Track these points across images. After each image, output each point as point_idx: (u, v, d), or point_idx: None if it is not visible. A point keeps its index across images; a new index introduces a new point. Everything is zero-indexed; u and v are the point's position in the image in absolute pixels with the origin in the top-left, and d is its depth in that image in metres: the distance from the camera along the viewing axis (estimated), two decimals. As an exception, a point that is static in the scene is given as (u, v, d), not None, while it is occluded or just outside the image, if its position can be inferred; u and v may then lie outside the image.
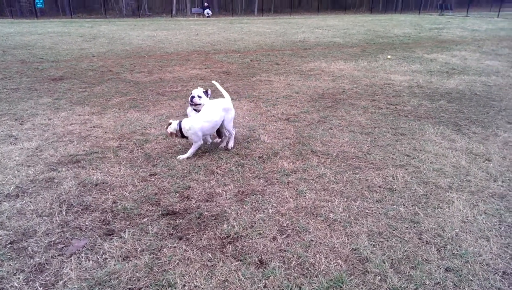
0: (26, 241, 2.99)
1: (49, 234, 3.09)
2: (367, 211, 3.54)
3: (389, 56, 12.90)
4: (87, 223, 3.26)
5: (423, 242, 3.08)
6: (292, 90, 8.29)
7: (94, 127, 5.78)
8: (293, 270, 2.76)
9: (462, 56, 12.60)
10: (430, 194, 3.85)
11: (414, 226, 3.30)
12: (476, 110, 6.89)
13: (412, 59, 12.39)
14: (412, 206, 3.62)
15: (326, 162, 4.62)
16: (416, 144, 5.18)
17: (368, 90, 8.34)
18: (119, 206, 3.54)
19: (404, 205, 3.63)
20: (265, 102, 7.31)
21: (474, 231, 3.23)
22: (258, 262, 2.85)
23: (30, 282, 2.56)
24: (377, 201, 3.71)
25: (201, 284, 2.60)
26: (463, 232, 3.21)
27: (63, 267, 2.71)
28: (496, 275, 2.72)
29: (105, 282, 2.57)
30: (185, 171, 4.33)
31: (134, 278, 2.61)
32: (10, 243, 2.96)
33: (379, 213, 3.51)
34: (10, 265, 2.71)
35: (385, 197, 3.79)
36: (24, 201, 3.57)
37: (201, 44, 16.19)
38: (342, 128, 5.84)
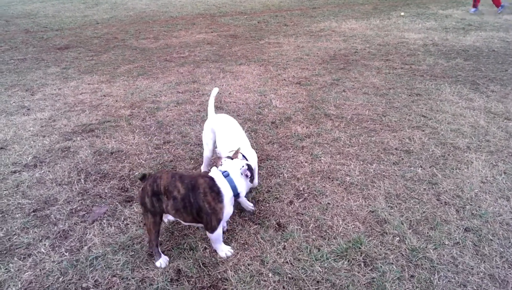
0: (49, 209, 3.05)
1: (70, 202, 3.15)
2: (384, 173, 3.52)
3: (402, 13, 12.36)
4: (106, 191, 3.31)
5: (441, 203, 3.07)
6: (303, 52, 8.06)
7: (104, 96, 5.74)
8: (311, 233, 2.78)
9: (479, 11, 12.00)
10: (448, 155, 3.79)
11: (432, 187, 3.27)
12: (494, 67, 6.64)
13: (427, 16, 11.85)
14: (429, 167, 3.58)
15: (340, 126, 4.55)
16: (433, 105, 5.05)
17: (381, 50, 8.07)
18: (136, 173, 3.57)
19: (421, 167, 3.59)
20: (275, 66, 7.13)
21: (493, 191, 3.20)
22: (276, 225, 2.88)
23: (56, 248, 2.63)
24: (393, 164, 3.68)
25: (221, 248, 2.65)
26: (482, 193, 3.18)
27: (87, 233, 2.78)
28: (516, 234, 2.72)
29: (128, 246, 2.64)
30: (199, 138, 4.31)
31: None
32: (33, 211, 3.03)
33: (396, 175, 3.48)
34: (36, 232, 2.79)
35: (402, 159, 3.75)
36: (42, 171, 3.62)
37: (206, 7, 15.69)
38: (355, 90, 5.70)
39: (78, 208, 3.09)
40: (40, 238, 2.73)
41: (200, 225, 2.52)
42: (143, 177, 2.44)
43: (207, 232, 2.46)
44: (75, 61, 7.85)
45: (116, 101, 5.50)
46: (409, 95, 5.43)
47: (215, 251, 2.60)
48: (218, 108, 5.15)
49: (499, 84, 5.75)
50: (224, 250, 2.57)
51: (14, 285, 2.31)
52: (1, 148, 4.09)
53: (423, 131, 4.32)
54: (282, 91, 5.79)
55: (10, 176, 3.53)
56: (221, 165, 2.59)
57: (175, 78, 6.58)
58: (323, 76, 6.47)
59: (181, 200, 2.33)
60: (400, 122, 4.58)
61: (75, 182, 3.44)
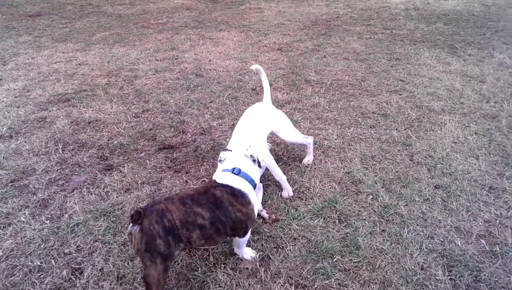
0: (27, 179, 3.03)
1: (49, 172, 3.13)
2: (360, 136, 3.60)
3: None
4: (85, 160, 3.30)
5: (414, 163, 3.18)
6: (284, 18, 7.92)
7: (79, 64, 5.57)
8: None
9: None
10: (423, 117, 3.89)
11: (406, 149, 3.38)
12: (473, 31, 6.70)
13: (410, -20, 11.70)
14: (404, 130, 3.67)
15: (320, 91, 4.58)
16: (411, 69, 5.11)
17: (363, 15, 8.00)
18: (115, 142, 3.56)
19: (397, 129, 3.68)
20: (256, 32, 7.01)
21: (464, 151, 3.33)
22: (255, 189, 2.94)
23: (36, 217, 2.65)
24: (370, 127, 3.76)
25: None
26: (454, 152, 3.31)
27: (67, 202, 2.79)
28: (483, 190, 2.86)
29: (110, 213, 2.67)
30: (178, 106, 4.28)
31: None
32: (11, 181, 3.01)
33: (372, 138, 3.57)
34: (15, 201, 2.78)
35: (379, 122, 3.83)
36: (18, 142, 3.56)
37: (185, -29, 15.04)
38: (336, 56, 5.69)
39: (57, 177, 3.08)
40: (20, 208, 2.73)
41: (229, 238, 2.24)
42: (137, 216, 1.81)
43: (236, 239, 2.20)
44: (48, 29, 7.53)
45: (92, 69, 5.35)
46: (389, 60, 5.47)
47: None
48: (198, 76, 5.09)
49: (476, 48, 5.83)
50: (248, 253, 2.31)
51: (-5, 252, 2.33)
52: (-26, 119, 3.98)
53: (400, 95, 4.39)
54: (263, 57, 5.73)
55: (-15, 147, 3.46)
56: (220, 162, 2.34)
57: (153, 45, 6.41)
58: (304, 42, 6.41)
59: (211, 224, 1.97)
60: (379, 86, 4.64)
61: (52, 152, 3.40)
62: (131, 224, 1.84)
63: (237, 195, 2.08)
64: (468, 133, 3.58)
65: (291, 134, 3.03)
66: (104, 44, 6.53)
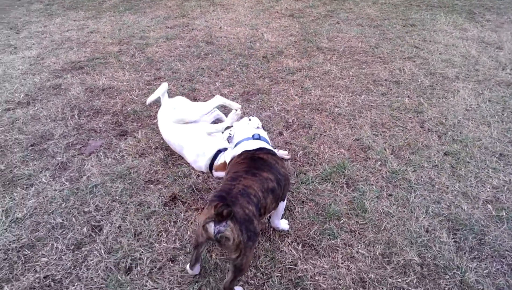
0: (46, 143, 3.15)
1: (66, 136, 3.24)
2: (371, 104, 3.59)
3: None
4: (100, 126, 3.39)
5: (424, 130, 3.18)
6: (297, -17, 7.68)
7: (91, 32, 5.58)
8: (298, 160, 2.92)
9: None
10: (436, 84, 3.83)
11: (417, 116, 3.37)
12: (494, -4, 6.42)
13: None
14: (417, 97, 3.64)
15: (332, 59, 4.52)
16: (426, 35, 4.97)
17: (379, -21, 7.70)
18: (128, 109, 3.63)
19: (409, 97, 3.65)
20: (268, -2, 6.85)
21: (476, 118, 3.30)
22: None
23: (56, 178, 2.78)
24: (382, 94, 3.73)
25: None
26: (466, 119, 3.29)
27: (84, 165, 2.91)
28: (493, 157, 2.87)
29: (126, 175, 2.78)
30: (189, 74, 4.30)
31: (152, 171, 2.81)
32: (31, 145, 3.13)
33: (384, 105, 3.55)
34: (35, 164, 2.91)
35: (391, 90, 3.80)
36: (36, 108, 3.66)
37: None
38: (349, 22, 5.56)
39: (74, 142, 3.19)
40: (40, 170, 2.86)
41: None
42: (228, 211, 1.63)
43: (281, 203, 2.13)
44: (58, -3, 7.49)
45: (104, 37, 5.37)
46: (404, 26, 5.32)
47: (208, 177, 2.74)
48: (209, 43, 5.06)
49: (495, 13, 5.61)
50: (284, 223, 2.31)
51: (20, 211, 2.48)
52: (-8, 86, 4.09)
53: (414, 62, 4.31)
54: (274, 24, 5.64)
55: (4, 113, 3.58)
56: (230, 139, 2.29)
57: (163, 12, 6.35)
58: (317, 7, 6.25)
59: (277, 184, 1.96)
60: (392, 53, 4.55)
61: (69, 118, 3.50)
62: (212, 224, 1.67)
63: (274, 154, 2.11)
64: (482, 101, 3.53)
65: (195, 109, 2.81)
66: (115, 11, 6.49)
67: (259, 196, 1.83)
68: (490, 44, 4.63)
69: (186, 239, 2.27)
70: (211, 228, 1.67)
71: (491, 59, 4.27)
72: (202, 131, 2.65)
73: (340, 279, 2.02)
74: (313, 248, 2.20)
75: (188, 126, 2.73)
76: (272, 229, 2.31)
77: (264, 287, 1.98)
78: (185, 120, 2.73)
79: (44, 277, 2.04)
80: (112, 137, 3.24)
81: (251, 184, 1.84)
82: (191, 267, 1.99)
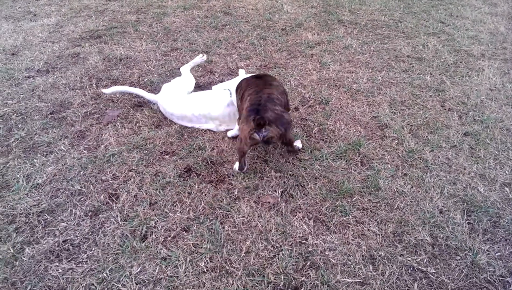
0: (65, 112, 3.21)
1: (84, 106, 3.30)
2: (391, 81, 3.49)
3: None
4: (118, 96, 3.42)
5: (445, 109, 3.10)
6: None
7: (109, 0, 5.54)
8: (313, 137, 2.90)
9: None
10: (460, 62, 3.69)
11: (439, 94, 3.27)
12: (531, -33, 6.02)
13: None
14: (439, 75, 3.52)
15: (353, 32, 4.39)
16: (453, 10, 4.74)
17: None
18: (145, 80, 3.64)
19: (431, 74, 3.53)
20: (289, -33, 6.60)
21: (500, 99, 3.18)
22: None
23: (75, 146, 2.85)
24: (403, 71, 3.62)
25: (226, 148, 2.81)
26: (489, 100, 3.17)
27: (102, 134, 2.96)
28: (515, 139, 2.78)
29: (142, 146, 2.83)
30: (207, 45, 4.25)
31: (168, 143, 2.85)
32: (50, 113, 3.20)
33: (404, 82, 3.46)
34: (55, 132, 2.99)
35: (412, 66, 3.68)
36: (55, 76, 3.71)
37: None
38: (373, -6, 5.34)
39: (93, 111, 3.24)
40: (59, 138, 2.93)
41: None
42: (263, 120, 2.22)
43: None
44: (76, -37, 7.41)
45: (122, 6, 5.33)
46: (430, -1, 5.08)
47: (223, 151, 2.77)
48: (227, 14, 4.97)
49: (531, -14, 5.28)
50: (299, 141, 2.77)
51: (40, 177, 2.57)
52: (13, 54, 4.14)
53: (439, 38, 4.14)
54: (294, -5, 5.47)
55: (24, 81, 3.65)
56: (230, 91, 2.90)
57: (181, -19, 6.22)
58: (339, -22, 6.00)
59: (284, 90, 2.63)
60: (416, 28, 4.38)
61: (87, 87, 3.54)
62: (256, 134, 2.27)
63: (267, 74, 2.85)
64: (507, 80, 3.39)
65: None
66: (133, -21, 6.39)
67: (279, 98, 2.44)
68: (522, 20, 4.40)
69: (199, 210, 2.31)
70: (257, 136, 2.29)
71: (522, 36, 4.07)
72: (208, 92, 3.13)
73: (350, 255, 2.04)
74: (324, 224, 2.22)
75: (196, 94, 3.14)
76: (284, 203, 2.33)
77: (275, 259, 2.02)
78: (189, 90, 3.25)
79: (63, 241, 2.14)
80: (129, 107, 3.27)
81: (271, 91, 2.45)
82: (241, 169, 2.53)
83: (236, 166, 2.56)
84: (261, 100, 2.35)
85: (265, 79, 2.64)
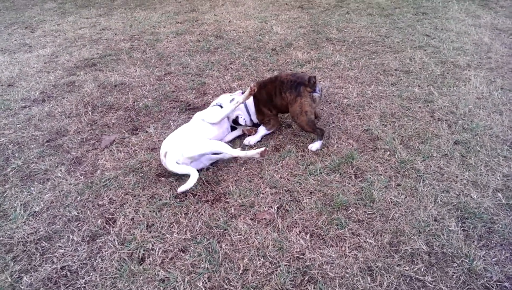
0: (61, 139, 3.26)
1: (80, 132, 3.34)
2: (381, 94, 3.57)
3: None
4: (113, 121, 3.48)
5: (435, 120, 3.16)
6: (306, -26, 7.62)
7: (103, 29, 5.68)
8: (306, 152, 2.94)
9: None
10: (447, 73, 3.78)
11: (428, 105, 3.34)
12: (510, -20, 6.24)
13: None
14: (427, 86, 3.61)
15: (341, 50, 4.50)
16: (438, 23, 4.89)
17: (390, -33, 7.57)
18: (140, 104, 3.71)
19: (419, 86, 3.62)
20: (277, -10, 6.82)
21: (487, 107, 3.25)
22: (274, 147, 3.04)
23: (72, 173, 2.87)
24: (392, 84, 3.71)
25: (221, 167, 2.84)
26: (477, 108, 3.24)
27: (98, 159, 3.00)
28: (504, 145, 2.83)
29: (138, 169, 2.86)
30: (199, 68, 4.35)
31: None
32: (47, 141, 3.24)
33: (393, 95, 3.53)
34: (51, 159, 3.02)
35: (401, 79, 3.77)
36: (51, 105, 3.78)
37: None
38: (359, 12, 5.50)
39: (88, 137, 3.28)
40: (56, 165, 2.96)
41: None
42: (312, 79, 2.72)
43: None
44: (71, -5, 7.63)
45: (116, 34, 5.46)
46: (415, 14, 5.24)
47: (218, 170, 2.79)
48: (218, 38, 5.10)
49: (511, -2, 5.47)
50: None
51: (37, 204, 2.58)
52: (9, 85, 4.22)
53: (425, 50, 4.26)
54: (283, 16, 5.63)
55: (21, 111, 3.70)
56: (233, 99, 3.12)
57: (173, 7, 6.40)
58: (326, -2, 6.20)
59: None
60: (403, 42, 4.50)
61: (83, 114, 3.60)
62: (314, 94, 2.77)
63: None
64: (494, 88, 3.48)
65: None
66: (126, 8, 6.58)
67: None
68: (504, 30, 4.53)
69: (196, 229, 2.33)
70: (316, 94, 2.78)
71: (504, 46, 4.19)
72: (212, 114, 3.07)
73: (347, 268, 2.05)
74: (321, 237, 2.24)
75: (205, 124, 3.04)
76: (280, 219, 2.34)
77: (273, 275, 2.03)
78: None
79: (61, 268, 2.14)
80: (124, 132, 3.32)
81: (286, 75, 2.91)
82: (322, 134, 2.90)
83: (317, 144, 2.90)
84: (288, 77, 2.82)
85: (267, 80, 3.05)
